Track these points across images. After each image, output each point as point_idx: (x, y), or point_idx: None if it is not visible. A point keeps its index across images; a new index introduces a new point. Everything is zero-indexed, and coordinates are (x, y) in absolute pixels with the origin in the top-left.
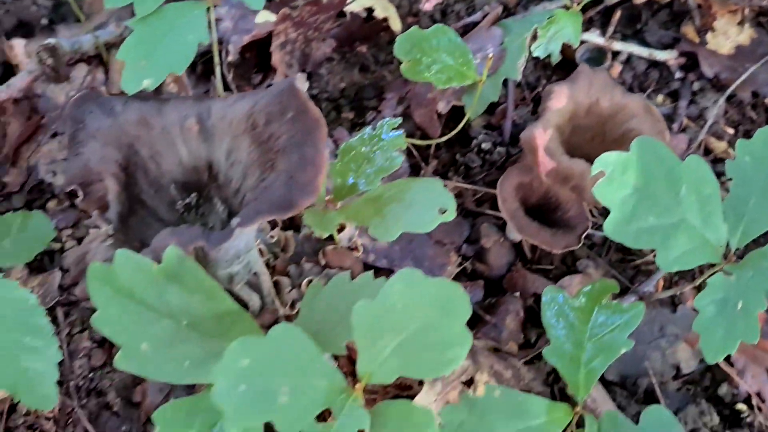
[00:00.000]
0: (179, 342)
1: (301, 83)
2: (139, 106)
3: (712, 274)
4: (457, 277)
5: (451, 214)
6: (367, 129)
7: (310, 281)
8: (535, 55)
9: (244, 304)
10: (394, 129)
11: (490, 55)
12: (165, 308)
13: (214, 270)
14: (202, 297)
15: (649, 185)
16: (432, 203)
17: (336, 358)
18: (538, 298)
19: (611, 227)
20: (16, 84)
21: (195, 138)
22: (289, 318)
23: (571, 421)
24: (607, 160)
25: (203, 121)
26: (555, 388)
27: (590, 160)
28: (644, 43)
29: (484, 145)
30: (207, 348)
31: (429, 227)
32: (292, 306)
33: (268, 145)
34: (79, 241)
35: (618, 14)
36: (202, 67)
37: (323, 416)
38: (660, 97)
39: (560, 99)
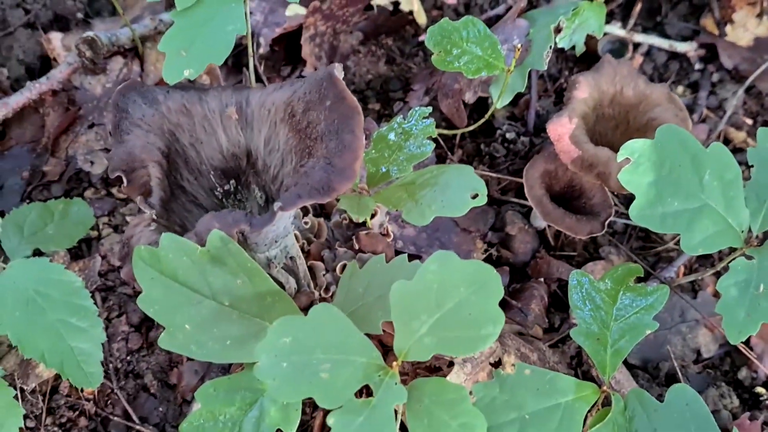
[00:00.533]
0: (221, 322)
1: (339, 72)
2: (181, 95)
3: (734, 259)
4: None
5: (483, 199)
6: (398, 118)
7: (344, 265)
8: (560, 46)
9: (281, 287)
10: (424, 118)
11: (519, 45)
12: (208, 289)
13: (252, 254)
14: (244, 278)
15: (674, 171)
16: (464, 188)
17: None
18: (561, 283)
19: (637, 212)
20: (56, 76)
21: (234, 126)
22: (324, 300)
23: (597, 400)
24: (633, 147)
25: (243, 109)
26: (579, 371)
27: (614, 149)
28: (664, 35)
29: (508, 135)
30: (248, 327)
31: (462, 211)
32: (327, 289)
33: (306, 132)
34: (116, 228)
35: (638, 7)
36: (233, 59)
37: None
38: (680, 89)
39: (585, 89)
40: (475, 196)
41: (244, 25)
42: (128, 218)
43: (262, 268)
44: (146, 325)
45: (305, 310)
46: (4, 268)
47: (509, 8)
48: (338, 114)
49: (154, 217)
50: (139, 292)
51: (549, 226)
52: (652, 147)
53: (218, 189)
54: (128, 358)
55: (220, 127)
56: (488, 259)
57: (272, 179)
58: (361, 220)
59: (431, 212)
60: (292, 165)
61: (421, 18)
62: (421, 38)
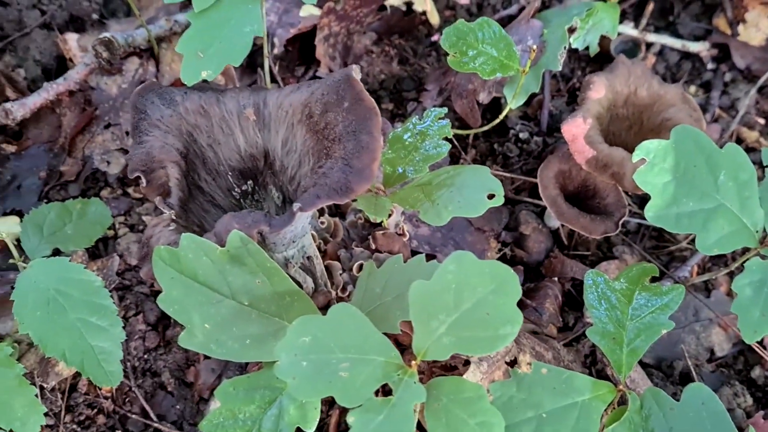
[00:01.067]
0: (240, 321)
1: (357, 73)
2: (198, 96)
3: (749, 259)
4: None
5: (500, 199)
6: (414, 118)
7: (360, 265)
8: (574, 46)
9: (299, 286)
10: (440, 118)
11: (534, 46)
12: (227, 289)
13: (270, 253)
14: (263, 278)
15: (689, 171)
16: (480, 188)
17: None
18: (575, 282)
19: (652, 212)
20: (73, 76)
21: (252, 127)
22: (341, 300)
23: (613, 399)
24: (648, 147)
25: (260, 110)
26: (593, 369)
27: (628, 149)
28: (677, 35)
29: (521, 135)
30: (267, 326)
31: (479, 211)
32: (344, 289)
33: (323, 134)
34: (132, 228)
35: (651, 6)
36: (247, 60)
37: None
38: (693, 88)
39: (599, 89)
40: (491, 197)
41: (261, 27)
42: (144, 218)
43: (280, 268)
44: (163, 324)
45: (323, 309)
46: (25, 268)
47: (522, 8)
48: (356, 115)
49: (173, 217)
50: (157, 292)
51: (562, 225)
52: (667, 147)
53: (236, 189)
54: (145, 356)
55: (237, 128)
56: (502, 259)
57: (289, 180)
58: (378, 221)
59: (448, 213)
60: (310, 166)
61: (434, 18)
62: (434, 38)
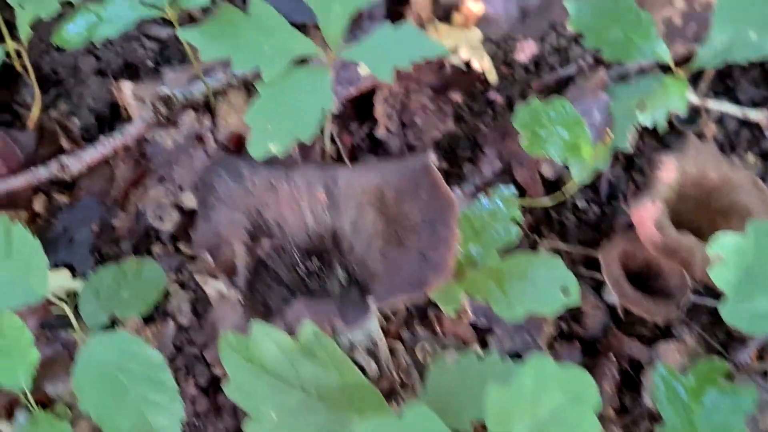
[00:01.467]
0: (308, 412)
1: (433, 160)
2: (267, 171)
3: None
4: (553, 338)
5: (576, 299)
6: (482, 199)
7: (424, 350)
8: (644, 125)
9: (362, 370)
10: (508, 199)
11: (610, 133)
12: (297, 380)
13: (336, 337)
14: (333, 370)
15: (765, 269)
16: (555, 283)
17: None
18: (632, 362)
19: (727, 311)
20: (131, 132)
21: (322, 206)
22: (404, 385)
23: None
24: (724, 242)
25: (330, 189)
26: None
27: (694, 230)
28: (735, 100)
29: (579, 204)
30: (334, 418)
31: (553, 309)
32: (408, 374)
33: (397, 220)
34: (183, 285)
35: (710, 72)
36: None
37: None
38: (750, 157)
39: (670, 171)
40: (566, 293)
41: (331, 99)
42: (196, 276)
43: (349, 357)
44: (214, 388)
45: (387, 396)
46: (84, 339)
47: (580, 68)
48: (433, 206)
49: (240, 299)
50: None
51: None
52: (743, 243)
53: (300, 266)
54: (196, 422)
55: (306, 207)
56: (559, 334)
57: (357, 261)
58: (451, 314)
59: (523, 308)
60: (379, 249)
61: (492, 76)
62: (490, 96)
